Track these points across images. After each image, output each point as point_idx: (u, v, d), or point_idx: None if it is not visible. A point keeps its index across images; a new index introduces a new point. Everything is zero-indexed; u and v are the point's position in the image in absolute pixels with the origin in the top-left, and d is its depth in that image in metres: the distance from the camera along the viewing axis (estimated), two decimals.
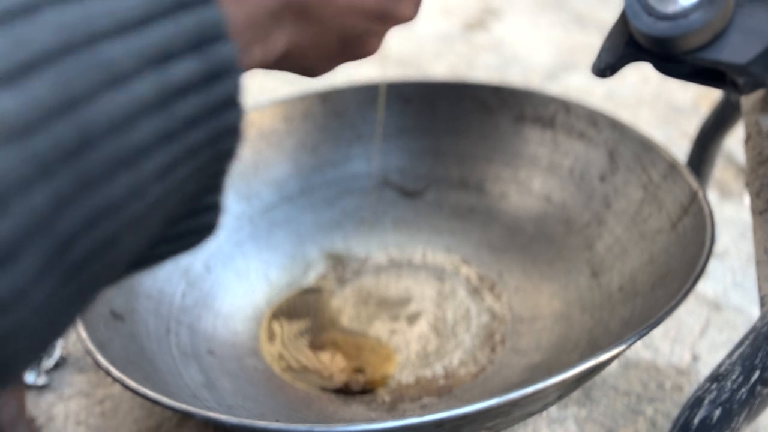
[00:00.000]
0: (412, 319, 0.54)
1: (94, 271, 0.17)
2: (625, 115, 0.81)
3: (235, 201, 0.58)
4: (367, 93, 0.62)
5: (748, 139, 0.41)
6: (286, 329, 0.53)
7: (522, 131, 0.59)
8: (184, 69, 0.18)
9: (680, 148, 0.72)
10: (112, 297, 0.46)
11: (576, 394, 0.51)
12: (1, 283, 0.14)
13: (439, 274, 0.57)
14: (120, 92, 0.16)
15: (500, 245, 0.58)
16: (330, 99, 0.61)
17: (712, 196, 0.70)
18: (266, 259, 0.58)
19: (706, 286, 0.60)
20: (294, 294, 0.56)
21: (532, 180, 0.59)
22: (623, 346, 0.35)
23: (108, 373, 0.39)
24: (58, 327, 0.18)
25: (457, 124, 0.61)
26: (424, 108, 0.62)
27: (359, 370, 0.50)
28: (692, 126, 0.76)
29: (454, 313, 0.54)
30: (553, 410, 0.50)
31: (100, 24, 0.16)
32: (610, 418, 0.50)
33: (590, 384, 0.51)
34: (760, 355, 0.33)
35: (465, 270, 0.57)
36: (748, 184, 0.42)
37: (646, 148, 0.51)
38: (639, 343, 0.55)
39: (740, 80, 0.27)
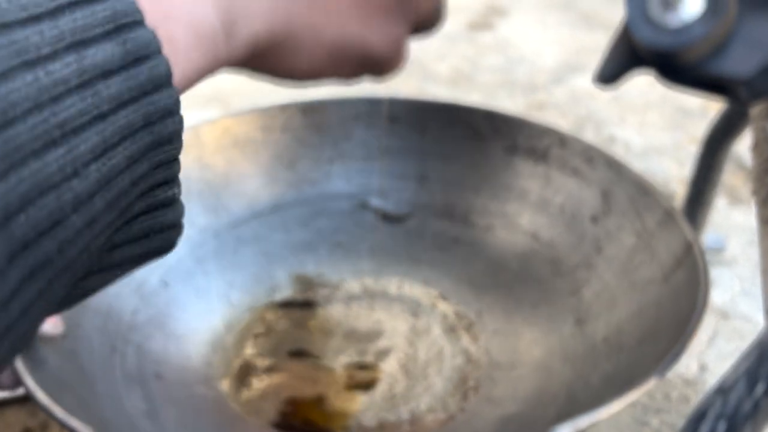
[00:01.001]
0: (381, 355, 0.50)
1: (47, 254, 0.18)
2: (632, 119, 0.79)
3: (200, 213, 0.54)
4: (353, 108, 0.58)
5: (756, 145, 0.40)
6: (258, 342, 0.50)
7: (513, 162, 0.56)
8: (101, 52, 0.18)
9: (688, 153, 0.70)
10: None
11: None
12: None
13: (414, 309, 0.54)
14: (37, 72, 0.17)
15: (482, 282, 0.54)
16: (312, 111, 0.58)
17: (721, 202, 0.68)
18: (229, 279, 0.54)
19: (713, 295, 0.59)
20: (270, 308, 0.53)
21: (520, 215, 0.55)
22: (601, 414, 0.32)
23: (34, 398, 0.35)
24: (17, 332, 0.18)
25: (445, 149, 0.58)
26: (412, 129, 0.58)
27: (316, 405, 0.46)
28: (701, 130, 0.75)
29: (427, 353, 0.50)
30: None
31: (12, 14, 0.17)
32: (615, 429, 0.48)
33: None
34: (765, 367, 0.31)
35: (442, 306, 0.54)
36: (754, 193, 0.40)
37: (642, 192, 0.48)
38: None
39: (743, 93, 0.26)
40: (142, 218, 0.22)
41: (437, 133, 0.58)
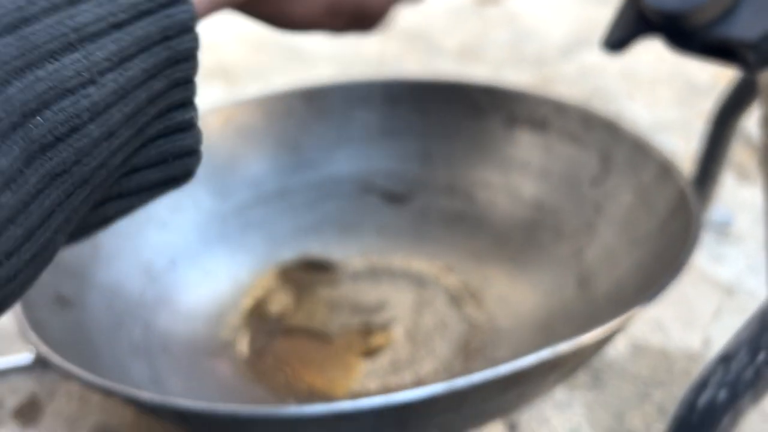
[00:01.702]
0: (386, 325, 0.50)
1: (65, 161, 0.18)
2: (641, 94, 0.78)
3: (207, 197, 0.55)
4: (355, 92, 0.59)
5: (764, 119, 0.39)
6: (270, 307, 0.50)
7: (513, 134, 0.56)
8: None
9: (696, 129, 0.70)
10: (60, 280, 0.44)
11: (584, 378, 0.49)
12: None
13: (419, 282, 0.54)
14: None
15: (486, 253, 0.54)
16: (315, 97, 0.59)
17: (729, 178, 0.67)
18: (237, 261, 0.55)
19: (720, 270, 0.58)
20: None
21: (522, 186, 0.55)
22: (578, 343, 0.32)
23: (49, 362, 0.36)
24: (37, 240, 0.18)
25: (447, 127, 0.59)
26: (412, 109, 0.59)
27: (321, 373, 0.46)
28: (710, 106, 0.74)
29: (431, 321, 0.50)
30: (560, 394, 0.48)
31: None
32: (618, 402, 0.48)
33: (599, 367, 0.49)
34: (766, 336, 0.31)
35: (447, 278, 0.54)
36: (762, 166, 0.40)
37: (638, 149, 0.48)
38: (649, 326, 0.53)
39: (750, 57, 0.26)
40: (159, 141, 0.22)
41: (438, 111, 0.59)
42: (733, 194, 0.67)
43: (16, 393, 0.48)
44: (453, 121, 0.58)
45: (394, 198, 0.59)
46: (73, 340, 0.41)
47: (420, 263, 0.55)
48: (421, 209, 0.58)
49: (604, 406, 0.47)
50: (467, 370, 0.46)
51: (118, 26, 0.18)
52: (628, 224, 0.47)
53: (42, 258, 0.19)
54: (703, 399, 0.33)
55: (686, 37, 0.26)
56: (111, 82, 0.18)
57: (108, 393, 0.33)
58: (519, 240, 0.54)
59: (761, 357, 0.32)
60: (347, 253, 0.57)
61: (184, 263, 0.52)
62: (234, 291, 0.53)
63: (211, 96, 0.80)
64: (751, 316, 0.33)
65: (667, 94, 0.79)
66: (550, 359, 0.31)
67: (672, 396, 0.48)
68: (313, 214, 0.58)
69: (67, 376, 0.35)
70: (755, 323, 0.32)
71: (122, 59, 0.19)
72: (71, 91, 0.17)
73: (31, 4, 0.17)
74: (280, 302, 0.53)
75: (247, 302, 0.53)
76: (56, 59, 0.17)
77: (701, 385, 0.33)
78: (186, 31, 0.20)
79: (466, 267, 0.54)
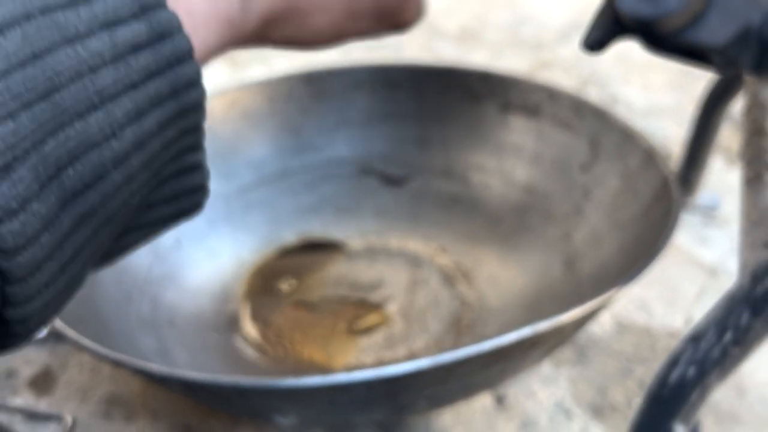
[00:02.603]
0: (381, 303, 0.53)
1: (92, 205, 0.20)
2: (635, 79, 0.80)
3: (212, 179, 0.57)
4: (355, 75, 0.61)
5: (747, 109, 0.41)
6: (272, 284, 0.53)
7: (507, 120, 0.58)
8: (130, 30, 0.21)
9: (690, 115, 0.71)
10: None
11: (569, 354, 0.51)
12: (2, 186, 0.18)
13: (414, 262, 0.56)
14: (77, 47, 0.20)
15: (480, 235, 0.57)
16: (315, 81, 0.61)
17: (718, 162, 0.69)
18: (240, 240, 0.57)
19: (704, 252, 0.61)
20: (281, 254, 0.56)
21: (515, 170, 0.57)
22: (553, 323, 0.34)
23: (63, 335, 0.38)
24: (70, 271, 0.21)
25: (443, 112, 0.60)
26: (411, 94, 0.61)
27: (320, 347, 0.49)
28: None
29: (425, 300, 0.53)
30: (546, 368, 0.50)
31: (54, 0, 0.20)
32: (601, 378, 0.50)
33: (584, 344, 0.52)
34: (732, 317, 0.33)
35: (441, 258, 0.56)
36: (742, 153, 0.42)
37: (626, 137, 0.50)
38: (633, 305, 0.56)
39: (717, 60, 0.28)
40: (172, 181, 0.25)
41: (435, 96, 0.60)
42: (721, 178, 0.69)
43: (30, 364, 0.51)
44: (449, 106, 0.60)
45: (392, 180, 0.61)
46: (85, 314, 0.44)
47: (415, 244, 0.58)
48: (418, 191, 0.60)
49: (587, 381, 0.50)
50: (457, 346, 0.48)
51: (133, 86, 0.21)
52: (613, 209, 0.49)
53: (74, 286, 0.22)
54: (674, 375, 0.36)
55: (659, 40, 0.28)
56: (130, 134, 0.21)
57: (118, 364, 0.35)
58: (511, 222, 0.56)
59: (727, 337, 0.34)
60: (346, 233, 0.59)
61: (190, 242, 0.55)
62: (237, 269, 0.56)
63: (216, 79, 0.82)
64: (719, 299, 0.35)
65: (661, 79, 0.81)
66: (529, 337, 0.33)
67: (653, 372, 0.50)
68: (313, 196, 0.60)
69: (80, 348, 0.37)
70: (723, 305, 0.34)
71: (138, 114, 0.21)
72: (97, 145, 0.20)
73: (59, 74, 0.19)
74: (282, 279, 0.55)
75: (249, 280, 0.55)
76: (83, 119, 0.20)
77: (672, 362, 0.36)
78: (192, 85, 0.23)
79: (459, 248, 0.56)
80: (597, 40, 0.29)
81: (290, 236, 0.59)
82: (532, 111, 0.57)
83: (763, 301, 0.33)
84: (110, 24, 0.21)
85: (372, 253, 0.58)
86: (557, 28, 0.93)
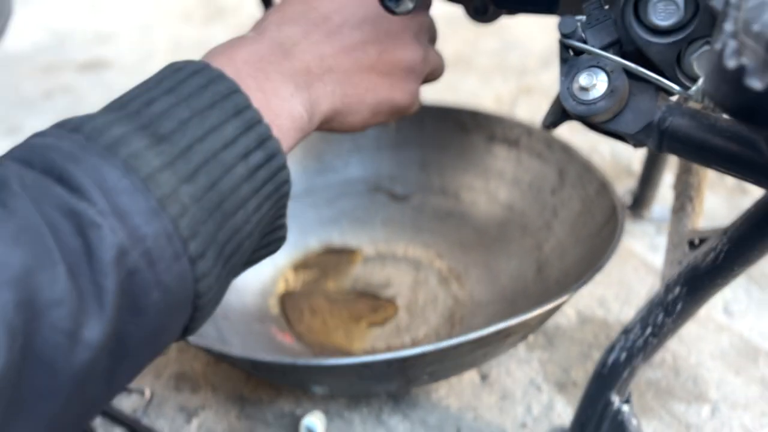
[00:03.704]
0: (391, 300, 0.65)
1: (236, 262, 0.33)
2: None
3: None
4: None
5: (676, 184, 0.53)
6: (303, 278, 0.66)
7: (492, 149, 0.71)
8: (256, 157, 0.33)
9: None
10: None
11: (540, 341, 0.64)
12: (203, 264, 0.29)
13: (416, 266, 0.69)
14: (232, 173, 0.31)
15: (469, 244, 0.69)
16: None
17: (671, 178, 0.81)
18: None
19: (655, 258, 0.73)
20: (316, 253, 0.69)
21: (498, 191, 0.70)
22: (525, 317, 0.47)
23: None
24: (221, 297, 0.33)
25: (440, 141, 0.73)
26: (413, 125, 0.74)
27: (343, 335, 0.62)
28: None
29: (425, 298, 0.66)
30: (522, 352, 0.63)
31: (218, 146, 0.32)
32: (567, 361, 0.63)
33: (553, 333, 0.65)
34: (651, 316, 0.45)
35: (438, 263, 0.69)
36: (674, 187, 0.54)
37: (586, 169, 0.63)
38: (595, 302, 0.69)
39: (631, 142, 0.39)
40: (269, 235, 0.37)
41: (433, 128, 0.73)
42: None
43: None
44: (445, 136, 0.73)
45: (397, 197, 0.74)
46: None
47: (417, 251, 0.71)
48: (419, 206, 0.73)
49: (555, 363, 0.63)
50: (451, 336, 0.61)
51: (257, 191, 0.33)
52: (575, 226, 0.62)
53: (221, 292, 0.34)
54: (611, 358, 0.48)
55: (592, 126, 0.40)
56: (255, 219, 0.33)
57: (203, 349, 0.48)
58: (494, 234, 0.69)
59: (648, 331, 0.46)
60: (360, 240, 0.72)
61: None
62: (273, 272, 0.68)
63: None
64: (645, 302, 0.47)
65: None
66: (504, 329, 0.46)
67: None
68: (333, 209, 0.73)
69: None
70: (646, 307, 0.46)
71: (259, 207, 0.33)
72: (239, 230, 0.32)
73: (222, 194, 0.31)
74: (310, 280, 0.68)
75: (283, 280, 0.68)
76: (234, 216, 0.32)
77: (610, 349, 0.48)
78: (286, 182, 0.35)
79: (453, 254, 0.69)
80: (552, 122, 0.41)
81: (314, 243, 0.72)
82: (512, 143, 0.69)
83: (673, 305, 0.45)
84: (246, 155, 0.32)
85: (381, 258, 0.70)
86: (540, 53, 1.06)
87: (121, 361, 0.28)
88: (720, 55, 0.23)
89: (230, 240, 0.32)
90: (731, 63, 0.22)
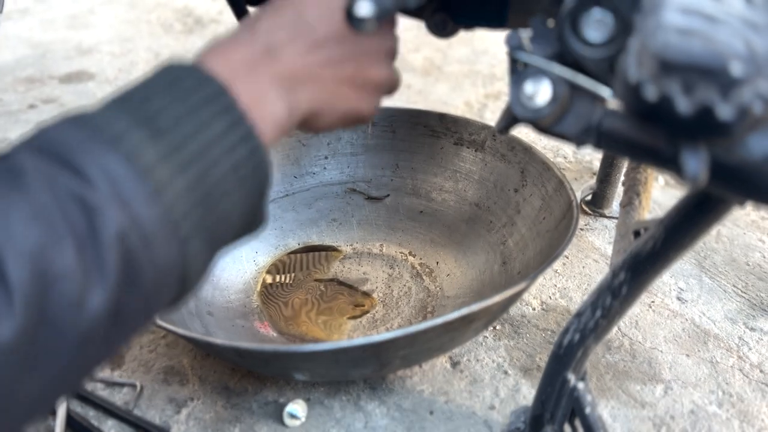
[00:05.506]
0: (368, 294, 0.70)
1: (220, 244, 0.36)
2: None
3: None
4: None
5: (627, 171, 0.57)
6: (281, 278, 0.70)
7: (460, 152, 0.75)
8: (239, 153, 0.36)
9: None
10: None
11: (507, 329, 0.69)
12: (191, 246, 0.32)
13: (391, 262, 0.73)
14: (219, 166, 0.35)
15: (440, 241, 0.74)
16: None
17: (661, 181, 0.86)
18: (256, 247, 0.74)
19: (609, 250, 0.78)
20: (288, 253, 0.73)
21: (467, 190, 0.75)
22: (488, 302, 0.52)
23: None
24: (206, 273, 0.36)
25: (411, 144, 0.78)
26: (385, 130, 0.78)
27: (321, 329, 0.66)
28: None
29: (399, 291, 0.70)
30: (490, 340, 0.68)
31: (208, 141, 0.35)
32: (531, 347, 0.67)
33: (519, 322, 0.69)
34: (600, 300, 0.49)
35: (411, 260, 0.73)
36: (623, 182, 0.58)
37: (545, 168, 0.68)
38: (558, 292, 0.73)
39: (574, 142, 0.44)
40: (251, 220, 0.40)
41: (404, 132, 0.78)
42: (659, 195, 0.86)
43: None
44: (416, 140, 0.77)
45: (372, 198, 0.78)
46: None
47: (391, 248, 0.75)
48: (393, 207, 0.78)
49: (520, 349, 0.67)
50: None
51: (240, 182, 0.36)
52: (536, 222, 0.67)
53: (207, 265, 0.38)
54: (566, 340, 0.52)
55: (540, 129, 0.45)
56: (238, 206, 0.36)
57: (190, 341, 0.52)
58: (463, 230, 0.73)
59: (598, 313, 0.51)
60: (337, 240, 0.76)
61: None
62: (254, 270, 0.72)
63: None
64: (594, 288, 0.52)
65: None
66: (466, 315, 0.50)
67: None
68: (311, 211, 0.77)
69: (163, 329, 0.53)
70: (596, 292, 0.51)
71: (241, 196, 0.36)
72: (225, 215, 0.35)
73: (210, 185, 0.35)
74: (289, 277, 0.72)
75: (264, 278, 0.72)
76: (219, 205, 0.35)
77: (565, 331, 0.52)
78: (267, 174, 0.38)
79: (425, 251, 0.74)
80: (504, 126, 0.46)
81: (294, 243, 0.76)
82: (479, 145, 0.74)
83: (619, 289, 0.50)
84: (231, 150, 0.36)
85: (358, 256, 0.75)
86: (506, 61, 1.10)
87: (118, 326, 0.32)
88: (625, 69, 0.27)
89: (216, 225, 0.35)
90: (633, 77, 0.27)
